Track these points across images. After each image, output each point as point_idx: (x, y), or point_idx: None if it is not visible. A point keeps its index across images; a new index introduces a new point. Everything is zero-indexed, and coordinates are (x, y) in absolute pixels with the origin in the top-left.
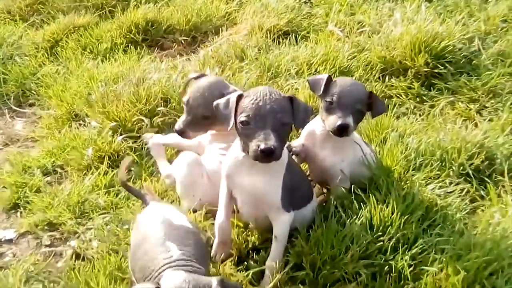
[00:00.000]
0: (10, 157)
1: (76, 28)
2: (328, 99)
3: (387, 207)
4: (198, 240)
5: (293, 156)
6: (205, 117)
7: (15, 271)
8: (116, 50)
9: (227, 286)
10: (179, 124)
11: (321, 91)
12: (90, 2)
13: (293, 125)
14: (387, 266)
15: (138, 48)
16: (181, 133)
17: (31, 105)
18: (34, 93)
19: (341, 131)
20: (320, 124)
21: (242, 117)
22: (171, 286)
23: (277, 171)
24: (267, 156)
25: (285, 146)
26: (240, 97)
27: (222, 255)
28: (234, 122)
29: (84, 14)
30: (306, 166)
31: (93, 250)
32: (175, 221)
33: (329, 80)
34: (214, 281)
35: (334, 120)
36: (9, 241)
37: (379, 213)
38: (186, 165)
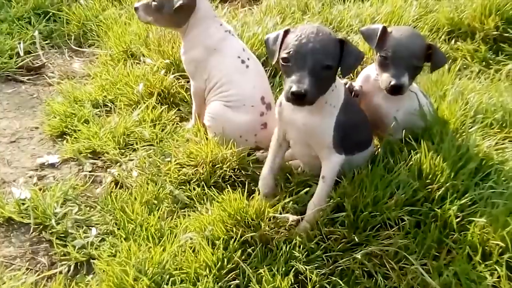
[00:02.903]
0: (63, 90)
1: None
2: (382, 54)
3: (438, 156)
4: None
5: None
6: (150, 4)
7: (53, 193)
8: None
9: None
10: (136, 3)
11: (375, 44)
12: None
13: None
14: (432, 215)
15: None
16: (135, 8)
17: (90, 45)
18: (95, 34)
19: (395, 91)
20: (375, 71)
21: (283, 54)
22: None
23: (329, 111)
24: (297, 99)
25: (345, 85)
26: (287, 32)
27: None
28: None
29: None
30: None
31: (133, 179)
32: None
33: (384, 31)
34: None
35: (388, 79)
36: (52, 166)
37: (430, 161)
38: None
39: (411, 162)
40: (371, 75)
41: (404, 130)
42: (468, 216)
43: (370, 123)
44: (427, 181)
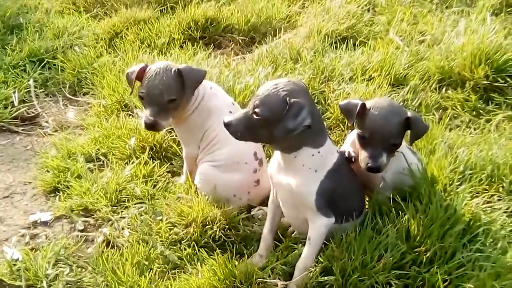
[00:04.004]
0: (57, 143)
1: (137, 21)
2: (360, 133)
3: (426, 217)
4: None
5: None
6: (171, 100)
7: (45, 253)
8: (173, 46)
9: None
10: (148, 118)
11: (354, 120)
12: None
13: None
14: (420, 279)
15: (195, 45)
16: (153, 125)
17: (85, 94)
18: (89, 82)
19: (372, 171)
20: None
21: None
22: None
23: (308, 174)
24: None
25: (339, 152)
26: None
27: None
28: None
29: (146, 8)
30: None
31: (124, 238)
32: None
33: (363, 108)
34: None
35: (365, 159)
36: (44, 223)
37: (418, 223)
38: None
39: (399, 224)
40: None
41: (394, 189)
42: (456, 279)
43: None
44: (415, 243)
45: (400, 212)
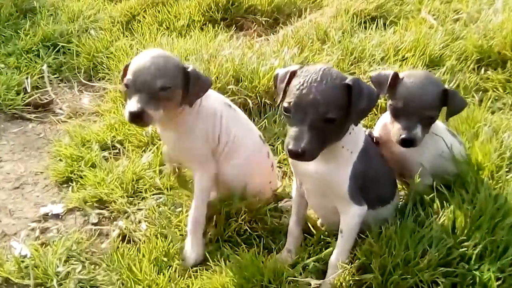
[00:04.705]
0: (71, 130)
1: (155, 3)
2: (393, 104)
3: (474, 208)
4: None
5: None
6: (163, 88)
7: (56, 249)
8: (192, 28)
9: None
10: (135, 105)
11: (385, 91)
12: None
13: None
14: (470, 277)
15: (216, 27)
16: (139, 115)
17: (100, 79)
18: (105, 67)
19: (406, 144)
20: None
21: (285, 102)
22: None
23: (345, 157)
24: (296, 158)
25: (365, 132)
26: (293, 74)
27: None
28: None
29: None
30: None
31: (141, 232)
32: None
33: (395, 78)
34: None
35: (398, 131)
36: (56, 216)
37: (464, 215)
38: None
39: (444, 216)
40: (388, 123)
41: (433, 176)
42: (510, 277)
43: (395, 172)
44: (463, 237)
45: (444, 203)
